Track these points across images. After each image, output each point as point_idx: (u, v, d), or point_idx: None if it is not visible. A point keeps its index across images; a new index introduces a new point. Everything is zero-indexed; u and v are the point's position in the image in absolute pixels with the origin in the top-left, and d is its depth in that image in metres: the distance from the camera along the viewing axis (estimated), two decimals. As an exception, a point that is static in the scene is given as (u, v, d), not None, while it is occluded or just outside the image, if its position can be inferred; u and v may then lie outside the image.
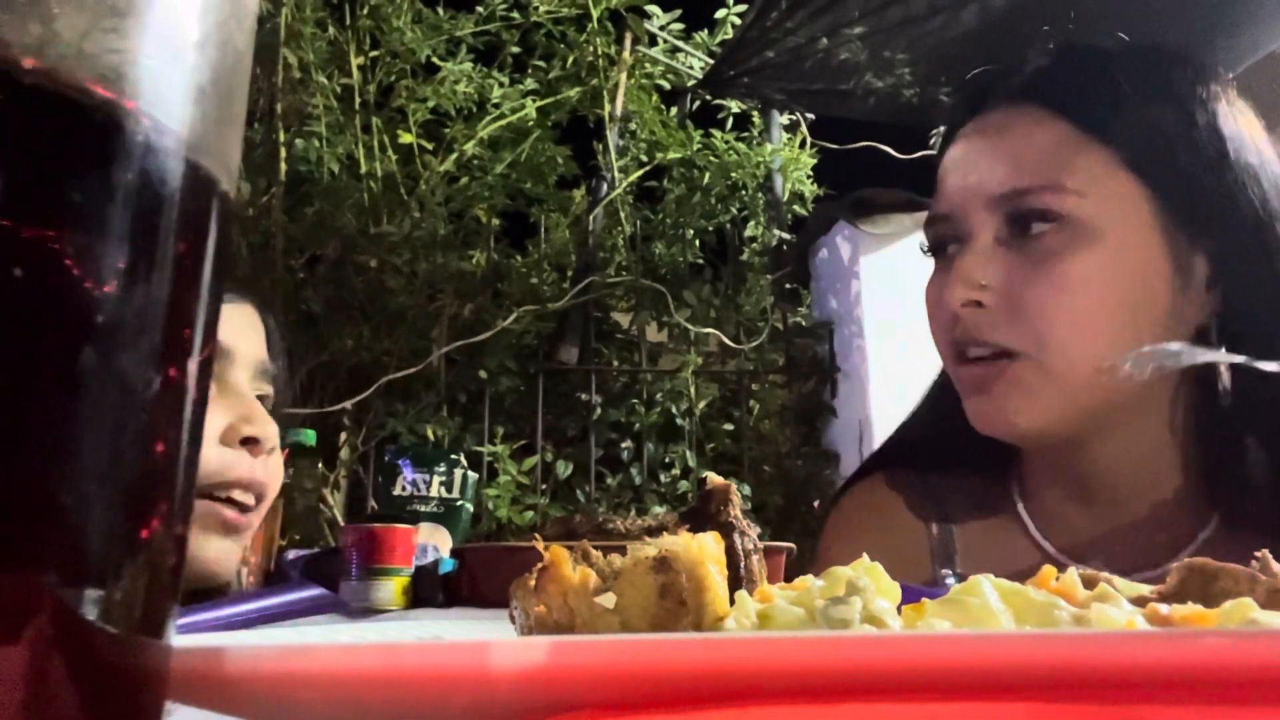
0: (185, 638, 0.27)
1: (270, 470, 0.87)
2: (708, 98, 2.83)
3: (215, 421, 0.82)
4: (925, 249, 0.87)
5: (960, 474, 0.89)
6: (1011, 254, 0.76)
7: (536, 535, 0.40)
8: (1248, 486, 0.74)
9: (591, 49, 2.68)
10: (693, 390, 2.55)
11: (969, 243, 0.79)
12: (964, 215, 0.80)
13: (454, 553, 1.37)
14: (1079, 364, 0.74)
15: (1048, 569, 0.35)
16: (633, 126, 2.75)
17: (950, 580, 0.79)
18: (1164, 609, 0.31)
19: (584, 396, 2.54)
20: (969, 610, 0.31)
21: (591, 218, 2.66)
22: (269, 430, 0.85)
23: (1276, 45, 1.82)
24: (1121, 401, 0.76)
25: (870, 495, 0.95)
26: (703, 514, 0.41)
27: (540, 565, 0.34)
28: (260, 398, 0.90)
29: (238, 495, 0.84)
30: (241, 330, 0.91)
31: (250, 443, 0.84)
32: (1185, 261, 0.76)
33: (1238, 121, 0.78)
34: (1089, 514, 0.82)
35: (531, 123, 2.63)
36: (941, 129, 0.93)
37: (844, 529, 0.95)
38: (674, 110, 2.81)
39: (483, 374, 2.43)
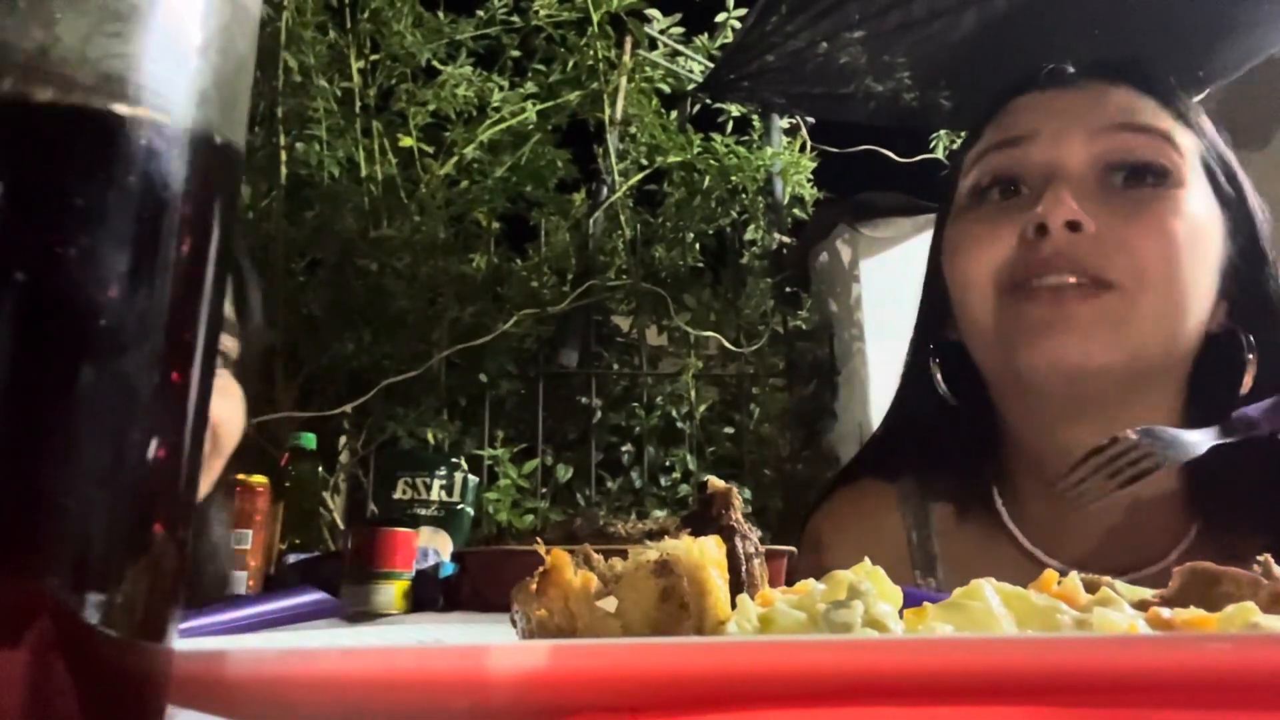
0: (186, 642, 0.27)
1: None
2: (708, 101, 2.83)
3: None
4: (981, 186, 0.82)
5: (942, 476, 0.89)
6: (1112, 194, 0.76)
7: (538, 539, 0.40)
8: (1231, 496, 0.75)
9: (592, 53, 2.68)
10: (693, 394, 2.55)
11: (1057, 174, 0.76)
12: (1054, 145, 0.77)
13: (454, 556, 1.37)
14: (1164, 311, 0.74)
15: (1049, 573, 0.35)
16: (633, 130, 2.75)
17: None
18: (1166, 613, 0.31)
19: (584, 400, 2.54)
20: (971, 614, 0.31)
21: (592, 221, 2.66)
22: None
23: (1275, 49, 1.82)
24: (1144, 376, 0.76)
25: (850, 504, 0.94)
26: (704, 517, 0.41)
27: (542, 569, 0.34)
28: None
29: None
30: None
31: None
32: (1218, 228, 0.78)
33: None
34: (1071, 517, 0.81)
35: (532, 126, 2.64)
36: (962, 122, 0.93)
37: (821, 538, 0.94)
38: (674, 114, 2.81)
39: (483, 377, 2.43)
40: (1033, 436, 0.84)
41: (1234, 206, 0.79)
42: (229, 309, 0.87)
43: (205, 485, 0.86)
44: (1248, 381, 0.76)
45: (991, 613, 0.31)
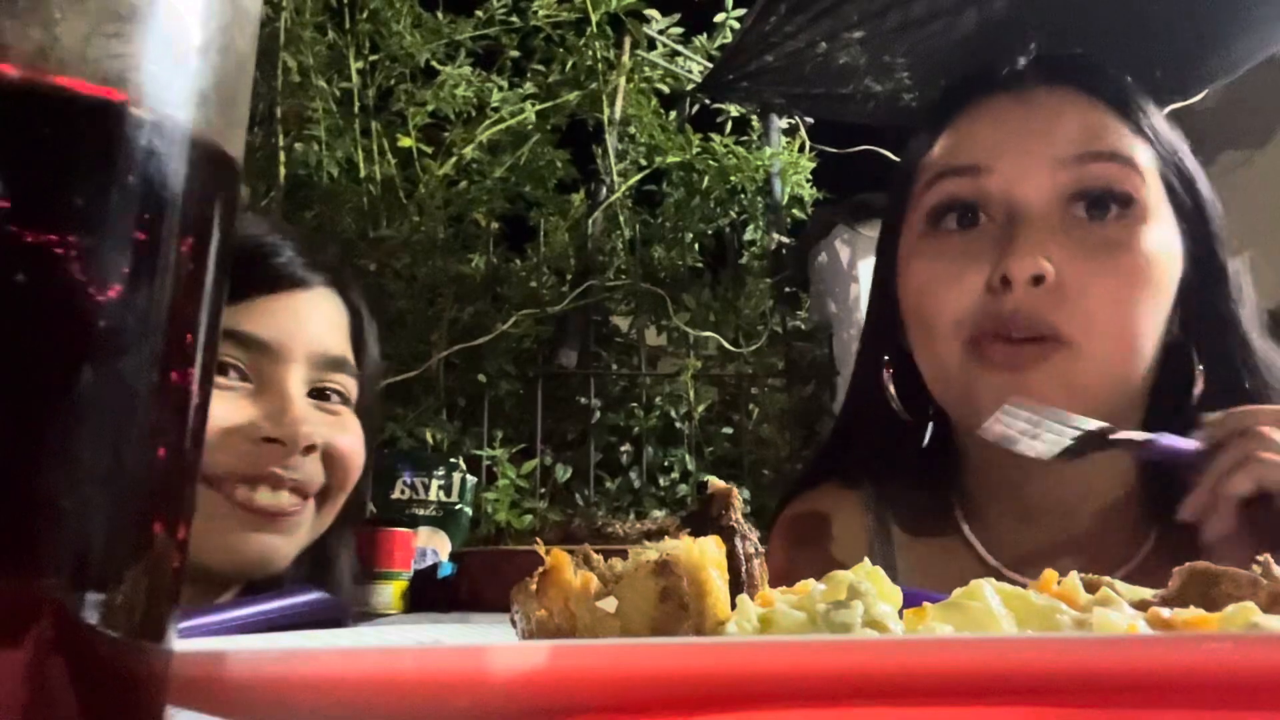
0: (186, 642, 0.27)
1: (309, 469, 0.84)
2: (707, 101, 2.83)
3: (236, 415, 0.80)
4: (937, 211, 0.78)
5: (901, 491, 0.87)
6: (1079, 232, 0.73)
7: (537, 539, 0.40)
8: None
9: (590, 53, 2.69)
10: (692, 394, 2.55)
11: (1022, 212, 0.74)
12: (1015, 175, 0.74)
13: (453, 557, 1.37)
14: (1116, 360, 0.73)
15: (1049, 573, 0.35)
16: (632, 130, 2.75)
17: None
18: (1166, 613, 0.31)
19: (583, 400, 2.54)
20: (971, 614, 0.31)
21: (591, 221, 2.66)
22: (296, 431, 0.81)
23: (1276, 49, 1.82)
24: (1103, 408, 0.74)
25: (811, 509, 0.92)
26: (704, 518, 0.41)
27: (541, 569, 0.34)
28: (329, 391, 0.88)
29: (262, 496, 0.81)
30: (300, 322, 0.86)
31: (272, 443, 0.81)
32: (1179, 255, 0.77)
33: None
34: (1032, 531, 0.81)
35: (531, 126, 2.64)
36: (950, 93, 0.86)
37: (786, 544, 0.92)
38: (673, 114, 2.81)
39: (482, 378, 2.43)
40: (991, 460, 0.81)
41: (1191, 216, 0.78)
42: (349, 352, 0.90)
43: (329, 517, 0.88)
44: (1198, 390, 0.76)
45: (991, 613, 0.31)
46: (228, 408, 0.79)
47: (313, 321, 0.87)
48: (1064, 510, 0.80)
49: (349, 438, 0.87)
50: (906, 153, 0.86)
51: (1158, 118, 0.79)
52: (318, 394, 0.87)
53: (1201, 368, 0.76)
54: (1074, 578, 0.34)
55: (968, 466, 0.85)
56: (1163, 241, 0.74)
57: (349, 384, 0.90)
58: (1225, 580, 0.33)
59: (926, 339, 0.79)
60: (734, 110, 2.85)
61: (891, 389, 0.84)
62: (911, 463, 0.85)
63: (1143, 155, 0.75)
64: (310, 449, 0.83)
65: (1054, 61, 0.82)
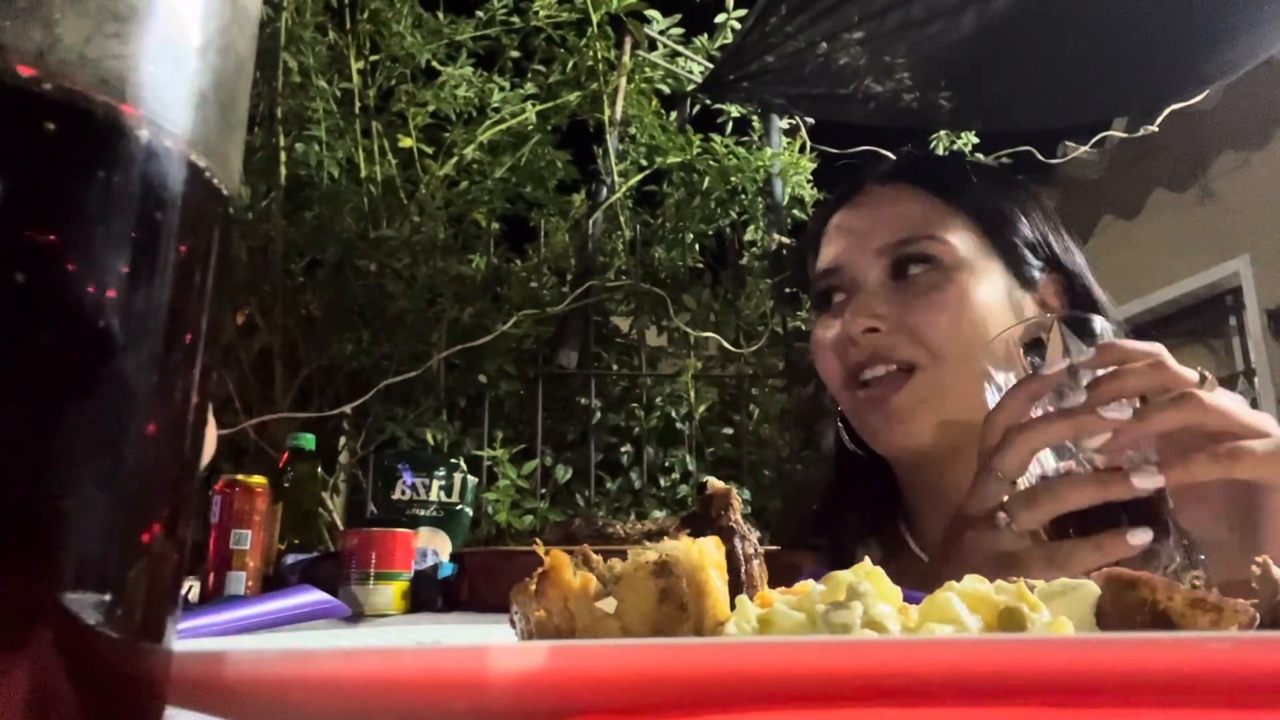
0: (185, 642, 0.27)
1: None
2: (707, 102, 2.83)
3: None
4: (812, 302, 1.03)
5: (868, 530, 1.03)
6: (896, 292, 0.95)
7: (537, 540, 0.40)
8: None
9: (591, 53, 2.69)
10: (692, 394, 2.55)
11: (859, 287, 0.96)
12: (853, 266, 0.98)
13: (453, 557, 1.37)
14: (960, 369, 0.89)
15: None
16: (632, 131, 2.75)
17: None
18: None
19: (583, 401, 2.54)
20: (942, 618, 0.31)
21: (591, 222, 2.65)
22: None
23: (1274, 50, 1.83)
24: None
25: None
26: (703, 518, 0.41)
27: (541, 570, 0.34)
28: None
29: None
30: None
31: None
32: (1017, 301, 0.96)
33: (1045, 217, 1.01)
34: (968, 537, 0.91)
35: (531, 127, 2.64)
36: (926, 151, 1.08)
37: None
38: (674, 115, 2.81)
39: (482, 378, 2.43)
40: (916, 475, 0.98)
41: (1054, 264, 0.98)
42: None
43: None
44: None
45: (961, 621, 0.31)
46: None
47: None
48: None
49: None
50: (806, 266, 1.12)
51: (979, 193, 1.00)
52: None
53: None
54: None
55: (906, 489, 1.01)
56: (973, 282, 0.94)
57: None
58: (1141, 586, 0.33)
59: (830, 391, 1.01)
60: (735, 111, 2.85)
61: (846, 437, 1.03)
62: (870, 499, 1.04)
63: (952, 226, 0.96)
64: None
65: (902, 167, 1.06)
